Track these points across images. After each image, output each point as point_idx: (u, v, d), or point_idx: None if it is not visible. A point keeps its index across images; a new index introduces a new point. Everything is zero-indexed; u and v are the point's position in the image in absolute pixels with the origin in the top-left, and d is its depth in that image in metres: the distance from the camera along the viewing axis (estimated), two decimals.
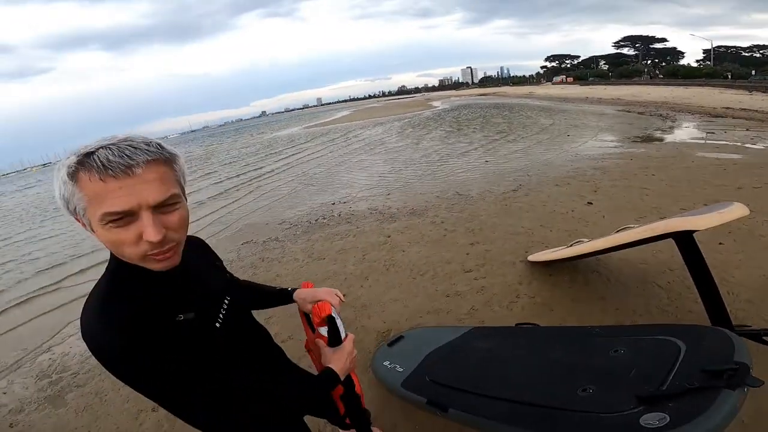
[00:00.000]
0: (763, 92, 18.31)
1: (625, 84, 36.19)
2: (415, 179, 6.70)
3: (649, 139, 8.40)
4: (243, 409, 0.69)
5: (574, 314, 2.45)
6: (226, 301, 0.82)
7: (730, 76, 33.55)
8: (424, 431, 1.74)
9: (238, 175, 10.93)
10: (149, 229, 0.59)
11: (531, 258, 3.12)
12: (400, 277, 3.20)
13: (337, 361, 0.92)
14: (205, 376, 0.64)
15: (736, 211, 1.98)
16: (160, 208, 0.61)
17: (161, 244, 0.61)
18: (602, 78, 53.52)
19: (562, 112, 16.97)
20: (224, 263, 1.00)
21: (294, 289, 1.11)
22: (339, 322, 1.00)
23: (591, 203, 4.24)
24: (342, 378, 0.91)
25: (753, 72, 38.87)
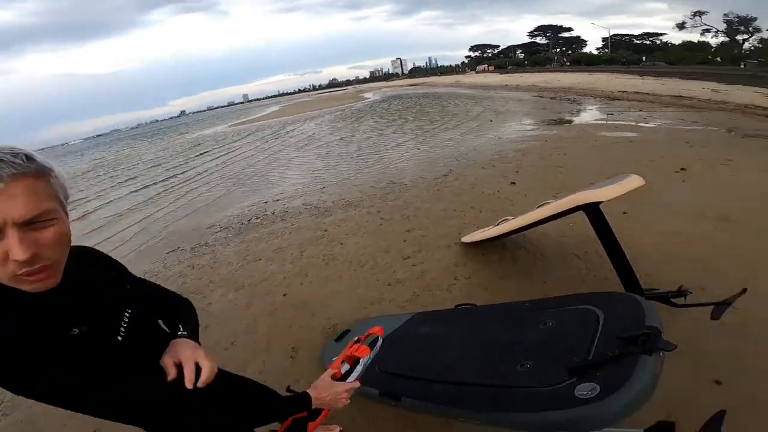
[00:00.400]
0: (653, 77, 20.94)
1: (539, 71, 38.94)
2: (350, 172, 6.64)
3: (560, 121, 9.19)
4: (152, 416, 0.71)
5: (506, 291, 2.58)
6: (127, 314, 0.78)
7: (624, 63, 37.73)
8: (382, 421, 1.74)
9: (161, 181, 10.01)
10: (15, 247, 0.55)
11: (464, 240, 3.25)
12: (341, 270, 3.17)
13: (322, 389, 0.94)
14: (101, 386, 0.64)
15: (634, 182, 2.20)
16: (31, 224, 0.58)
17: (30, 263, 0.57)
18: (519, 66, 57.01)
19: (485, 99, 17.91)
20: (150, 275, 0.91)
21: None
22: (360, 368, 1.05)
23: (514, 183, 4.54)
24: (311, 407, 0.91)
25: (644, 58, 43.89)
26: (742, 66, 26.05)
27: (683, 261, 2.73)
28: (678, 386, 1.72)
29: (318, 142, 10.95)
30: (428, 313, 2.16)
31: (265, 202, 5.54)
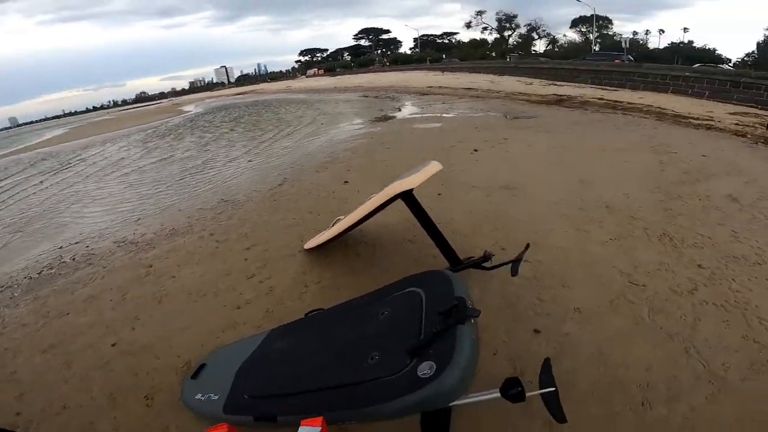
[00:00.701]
0: (451, 72, 24.93)
1: (364, 72, 41.83)
2: (172, 197, 5.84)
3: (384, 118, 10.10)
4: None
5: (356, 287, 2.64)
6: None
7: (429, 61, 43.78)
8: None
9: None
10: None
11: (306, 246, 3.23)
12: (179, 305, 2.80)
13: None
14: None
15: (433, 167, 2.52)
16: None
17: None
18: (347, 68, 59.80)
19: (316, 102, 18.30)
20: None
21: None
22: None
23: (347, 182, 4.76)
24: None
25: (444, 56, 51.61)
26: (508, 59, 33.38)
27: (485, 228, 3.33)
28: (510, 341, 2.05)
29: (126, 168, 9.13)
30: (282, 328, 2.11)
31: (60, 248, 4.39)
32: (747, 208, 3.42)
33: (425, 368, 1.14)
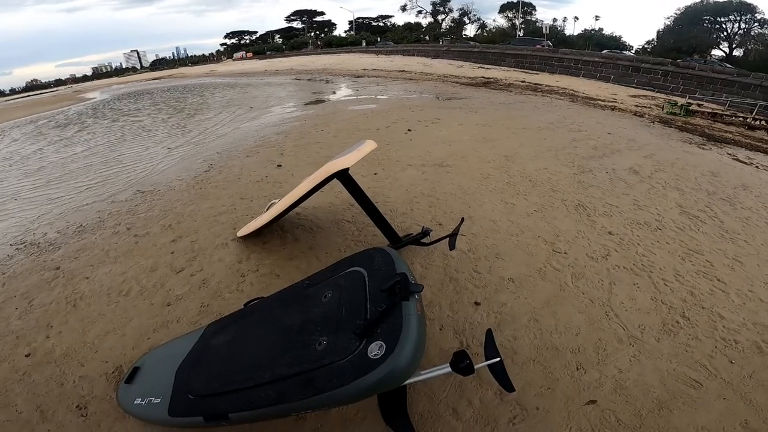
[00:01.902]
0: (385, 55, 24.85)
1: (296, 55, 40.29)
2: (75, 191, 5.12)
3: (317, 101, 9.82)
4: None
5: (296, 271, 2.58)
6: None
7: (365, 44, 43.18)
8: None
9: None
10: None
11: (239, 234, 3.06)
12: (98, 308, 2.51)
13: None
14: None
15: (368, 146, 2.50)
16: None
17: None
18: (278, 51, 56.95)
19: (244, 86, 17.24)
20: None
21: None
22: None
23: (280, 165, 4.56)
24: None
25: (378, 39, 51.17)
26: (441, 42, 34.06)
27: (422, 204, 3.41)
28: (454, 314, 2.11)
29: (16, 164, 7.73)
30: (220, 321, 1.97)
31: None
32: (646, 179, 3.89)
33: (375, 349, 1.13)
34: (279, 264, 2.72)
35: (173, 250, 3.07)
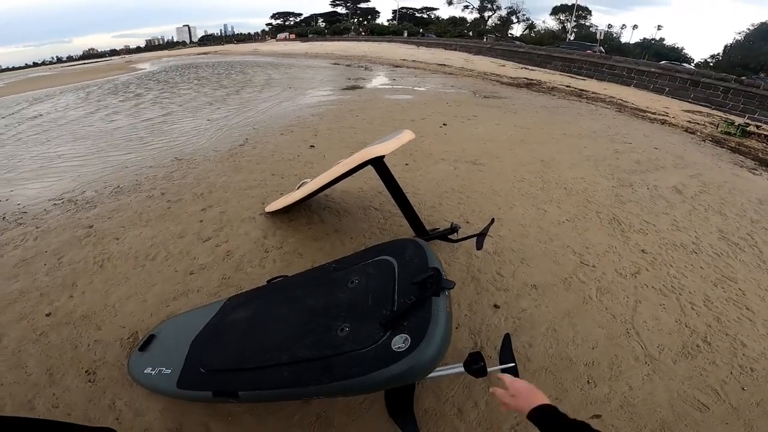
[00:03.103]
0: (426, 47, 24.53)
1: (338, 40, 40.31)
2: (116, 153, 5.33)
3: (354, 87, 9.80)
4: None
5: (320, 253, 2.58)
6: None
7: (406, 34, 42.75)
8: (239, 417, 1.56)
9: None
10: None
11: (268, 209, 3.11)
12: (124, 270, 2.57)
13: None
14: None
15: (407, 136, 2.45)
16: None
17: None
18: (320, 35, 57.38)
19: (284, 66, 17.44)
20: None
21: None
22: None
23: (313, 146, 4.60)
24: None
25: (421, 30, 50.56)
26: (485, 39, 33.26)
27: (451, 200, 3.35)
28: (472, 315, 2.08)
29: (66, 125, 7.96)
30: (241, 296, 1.96)
31: None
32: (689, 200, 3.67)
33: (399, 341, 1.09)
34: (303, 243, 2.73)
35: (202, 218, 3.15)
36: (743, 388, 1.76)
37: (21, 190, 4.21)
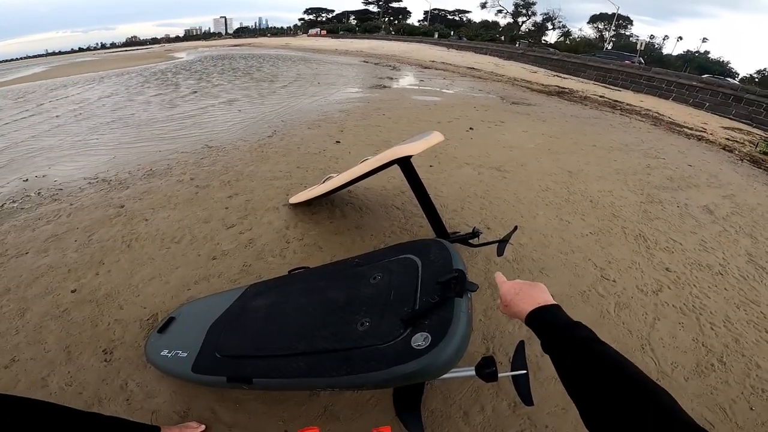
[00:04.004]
0: (456, 50, 24.32)
1: (368, 38, 40.54)
2: (151, 138, 5.54)
3: (381, 85, 9.82)
4: None
5: (339, 247, 2.62)
6: None
7: (437, 36, 42.52)
8: (246, 404, 1.59)
9: None
10: None
11: (292, 201, 3.17)
12: (150, 251, 2.66)
13: None
14: None
15: (435, 138, 2.45)
16: None
17: None
18: (350, 32, 57.89)
19: (314, 62, 17.63)
20: None
21: None
22: None
23: (339, 142, 4.66)
24: None
25: (452, 32, 50.18)
26: (517, 45, 32.77)
27: (473, 205, 3.33)
28: (487, 320, 2.07)
29: (104, 108, 8.40)
30: (262, 284, 1.96)
31: (25, 180, 4.15)
32: (720, 220, 3.53)
33: (419, 339, 1.09)
34: (324, 237, 2.77)
35: (228, 205, 3.24)
36: (751, 408, 1.72)
37: (59, 168, 4.43)
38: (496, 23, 53.32)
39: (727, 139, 7.60)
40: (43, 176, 4.18)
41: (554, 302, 0.73)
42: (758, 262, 2.91)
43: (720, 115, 10.42)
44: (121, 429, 1.26)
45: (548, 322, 0.70)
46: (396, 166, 2.32)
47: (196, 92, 9.57)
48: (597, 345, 0.60)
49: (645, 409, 0.46)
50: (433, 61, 16.38)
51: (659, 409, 0.46)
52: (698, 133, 7.55)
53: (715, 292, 2.50)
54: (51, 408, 1.05)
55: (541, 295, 0.76)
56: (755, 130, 9.14)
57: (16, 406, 0.97)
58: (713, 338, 2.10)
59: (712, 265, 2.81)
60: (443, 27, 54.02)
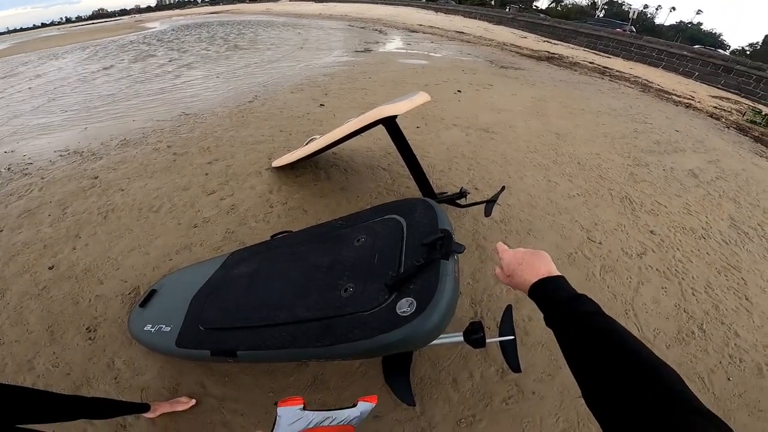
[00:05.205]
0: (445, 14, 23.51)
1: (353, 2, 38.81)
2: (124, 107, 5.25)
3: (367, 49, 9.45)
4: None
5: (325, 210, 2.56)
6: None
7: None
8: (236, 377, 1.57)
9: None
10: None
11: (274, 164, 3.07)
12: (127, 222, 2.55)
13: None
14: None
15: (421, 98, 2.35)
16: None
17: None
18: None
19: (297, 27, 16.86)
20: None
21: None
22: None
23: (323, 105, 4.49)
24: None
25: None
26: (507, 9, 31.79)
27: (461, 166, 3.27)
28: (474, 284, 2.06)
29: (73, 80, 7.83)
30: (244, 251, 1.90)
31: None
32: (704, 184, 3.56)
33: (404, 305, 1.04)
34: (308, 200, 2.70)
35: (208, 171, 3.12)
36: (729, 379, 1.76)
37: (28, 142, 4.19)
38: None
39: (715, 107, 7.62)
40: (12, 151, 3.93)
41: (559, 273, 0.69)
42: (740, 227, 2.95)
43: (709, 85, 10.41)
44: (110, 408, 1.23)
45: (552, 295, 0.66)
46: (381, 127, 2.24)
47: (169, 61, 9.04)
48: (601, 319, 0.56)
49: (646, 387, 0.43)
50: (420, 25, 15.79)
51: (661, 388, 0.43)
52: (686, 101, 7.54)
53: (698, 257, 2.54)
54: (35, 394, 1.04)
55: (545, 266, 0.71)
56: (743, 100, 9.18)
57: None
58: (694, 304, 2.14)
59: (695, 228, 2.85)
60: None
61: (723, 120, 6.59)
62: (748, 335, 1.98)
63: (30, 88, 6.96)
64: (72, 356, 1.69)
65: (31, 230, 2.55)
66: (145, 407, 1.34)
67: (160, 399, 1.50)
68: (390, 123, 2.22)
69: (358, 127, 2.22)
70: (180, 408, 1.45)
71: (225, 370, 1.59)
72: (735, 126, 6.38)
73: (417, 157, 2.33)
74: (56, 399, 1.06)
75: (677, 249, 2.58)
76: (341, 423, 0.88)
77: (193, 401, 1.48)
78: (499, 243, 0.85)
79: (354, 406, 0.91)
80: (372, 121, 2.13)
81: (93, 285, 2.05)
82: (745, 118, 7.19)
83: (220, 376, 1.57)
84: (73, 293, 2.01)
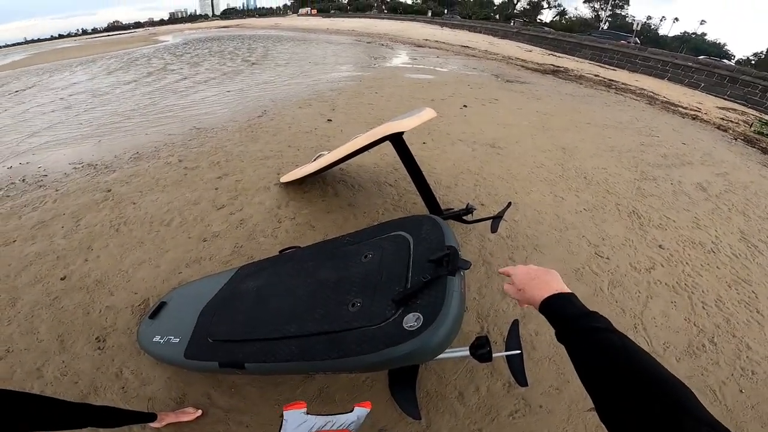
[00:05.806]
0: (450, 28, 23.86)
1: (360, 17, 39.59)
2: (137, 122, 5.34)
3: (374, 64, 9.61)
4: None
5: (332, 226, 2.58)
6: None
7: (430, 14, 41.57)
8: (242, 388, 1.58)
9: None
10: None
11: (283, 179, 3.11)
12: (139, 235, 2.59)
13: None
14: None
15: (427, 114, 2.39)
16: None
17: None
18: (342, 11, 56.61)
19: (306, 42, 17.18)
20: None
21: None
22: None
23: (330, 120, 4.56)
24: None
25: (446, 11, 49.10)
26: (512, 23, 32.23)
27: (467, 182, 3.30)
28: (481, 299, 2.07)
29: (89, 93, 8.02)
30: (252, 265, 1.92)
31: (9, 168, 3.98)
32: (713, 198, 3.54)
33: (411, 320, 1.06)
34: (316, 216, 2.73)
35: (218, 186, 3.17)
36: (741, 391, 1.73)
37: (43, 154, 4.27)
38: (490, 1, 52.18)
39: (722, 118, 7.59)
40: (27, 163, 4.03)
41: (569, 290, 0.71)
42: (750, 240, 2.92)
43: (715, 96, 10.39)
44: (117, 417, 1.25)
45: (563, 311, 0.68)
46: (388, 143, 2.28)
47: (182, 75, 9.26)
48: (612, 336, 0.58)
49: (655, 401, 0.44)
50: (426, 40, 16.03)
51: (670, 401, 0.44)
52: (693, 113, 7.53)
53: (708, 271, 2.51)
54: (43, 401, 1.04)
55: (557, 283, 0.73)
56: (750, 111, 9.14)
57: (6, 399, 0.95)
58: (705, 318, 2.12)
59: (704, 242, 2.83)
60: (437, 5, 52.83)
61: (730, 131, 6.56)
62: (760, 348, 1.96)
63: (44, 102, 7.13)
64: (81, 365, 1.71)
65: (44, 241, 2.60)
66: (151, 417, 1.36)
67: (167, 409, 1.51)
68: (397, 139, 2.25)
69: (366, 144, 2.25)
70: (186, 418, 1.47)
71: (231, 381, 1.60)
72: (742, 137, 6.34)
73: (423, 172, 2.35)
74: (63, 406, 1.07)
75: (686, 263, 2.56)
76: (341, 427, 0.89)
77: (200, 412, 1.50)
78: (503, 268, 0.88)
79: (350, 411, 0.93)
80: (379, 137, 2.16)
81: (104, 296, 2.09)
82: (752, 129, 7.15)
83: (227, 387, 1.59)
84: (84, 304, 2.04)
